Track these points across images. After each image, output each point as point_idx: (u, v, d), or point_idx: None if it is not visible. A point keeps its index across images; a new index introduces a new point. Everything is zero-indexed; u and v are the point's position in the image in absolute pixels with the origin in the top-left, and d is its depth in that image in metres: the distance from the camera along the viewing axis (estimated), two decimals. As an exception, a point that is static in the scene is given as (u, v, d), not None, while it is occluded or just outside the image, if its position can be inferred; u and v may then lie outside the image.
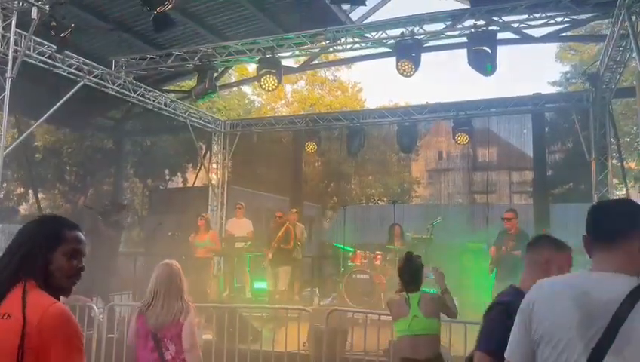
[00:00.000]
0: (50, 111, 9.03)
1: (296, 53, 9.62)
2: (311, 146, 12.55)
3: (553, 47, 21.89)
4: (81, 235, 1.99)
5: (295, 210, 11.19)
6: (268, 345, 6.40)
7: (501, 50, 8.01)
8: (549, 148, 13.57)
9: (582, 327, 1.64)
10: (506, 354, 1.84)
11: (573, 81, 19.60)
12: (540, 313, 1.76)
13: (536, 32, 9.86)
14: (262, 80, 8.80)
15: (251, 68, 9.55)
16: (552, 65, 59.43)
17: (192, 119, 12.78)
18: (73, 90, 9.22)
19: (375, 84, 59.14)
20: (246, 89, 24.00)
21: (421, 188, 21.29)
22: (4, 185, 21.07)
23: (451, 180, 17.22)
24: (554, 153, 14.23)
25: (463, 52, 7.97)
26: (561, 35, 10.53)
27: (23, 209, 23.10)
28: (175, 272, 3.91)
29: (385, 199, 19.84)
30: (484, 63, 7.80)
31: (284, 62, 10.25)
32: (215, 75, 10.82)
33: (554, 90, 19.83)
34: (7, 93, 7.56)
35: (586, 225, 1.85)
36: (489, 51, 7.73)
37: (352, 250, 10.41)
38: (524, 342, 1.79)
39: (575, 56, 21.00)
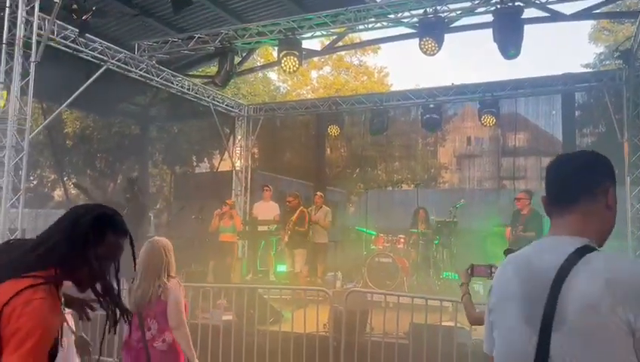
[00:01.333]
0: (75, 95, 9.14)
1: (318, 34, 9.51)
2: (334, 130, 12.43)
3: (586, 29, 21.17)
4: (123, 243, 1.93)
5: (320, 194, 11.11)
6: (288, 326, 6.39)
7: (532, 31, 7.76)
8: (579, 131, 13.14)
9: (523, 301, 1.47)
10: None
11: (607, 62, 18.87)
12: (492, 293, 1.62)
13: (568, 10, 9.52)
14: (282, 61, 8.72)
15: (277, 54, 9.47)
16: (585, 48, 57.73)
17: (216, 103, 12.82)
18: (97, 74, 9.30)
19: (402, 69, 58.52)
20: (272, 75, 23.99)
21: (449, 173, 21.01)
22: (39, 171, 21.67)
23: (479, 166, 16.92)
24: (585, 136, 13.77)
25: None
26: (593, 11, 10.12)
27: (57, 195, 23.73)
28: (156, 249, 3.68)
29: (411, 184, 19.62)
30: (508, 45, 7.59)
31: (308, 45, 10.14)
32: (238, 60, 10.78)
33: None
34: (31, 77, 7.68)
35: (545, 184, 1.67)
36: (515, 30, 7.50)
37: (374, 233, 10.32)
38: (488, 327, 1.64)
39: (609, 37, 20.21)
